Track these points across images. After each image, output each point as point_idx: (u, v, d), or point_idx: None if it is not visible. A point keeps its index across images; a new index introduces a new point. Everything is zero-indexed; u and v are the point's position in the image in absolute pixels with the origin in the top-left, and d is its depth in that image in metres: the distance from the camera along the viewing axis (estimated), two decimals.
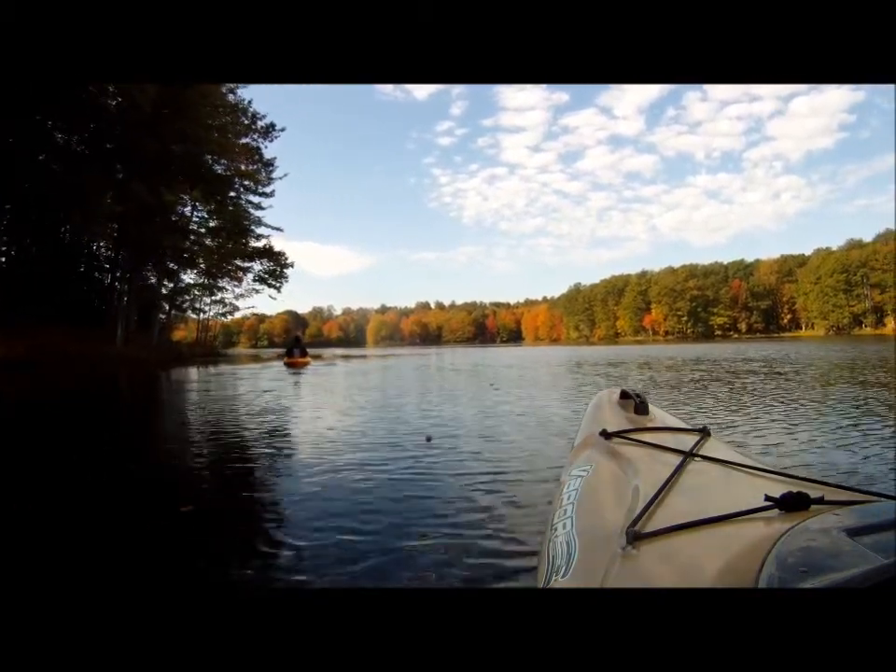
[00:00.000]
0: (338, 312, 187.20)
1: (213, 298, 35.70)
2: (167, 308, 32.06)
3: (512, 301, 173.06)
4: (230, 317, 40.09)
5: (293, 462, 3.45)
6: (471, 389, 8.28)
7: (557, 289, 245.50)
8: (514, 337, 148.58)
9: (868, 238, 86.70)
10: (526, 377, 10.78)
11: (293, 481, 2.95)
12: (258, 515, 2.43)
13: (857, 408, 5.01)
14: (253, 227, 31.69)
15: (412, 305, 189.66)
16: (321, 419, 5.38)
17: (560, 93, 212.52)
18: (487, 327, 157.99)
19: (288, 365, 17.40)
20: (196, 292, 34.44)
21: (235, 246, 30.97)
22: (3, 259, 22.19)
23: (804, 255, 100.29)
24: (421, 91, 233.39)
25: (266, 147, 29.84)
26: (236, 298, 35.18)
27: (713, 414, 4.83)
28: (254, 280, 33.61)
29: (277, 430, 4.73)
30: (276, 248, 32.65)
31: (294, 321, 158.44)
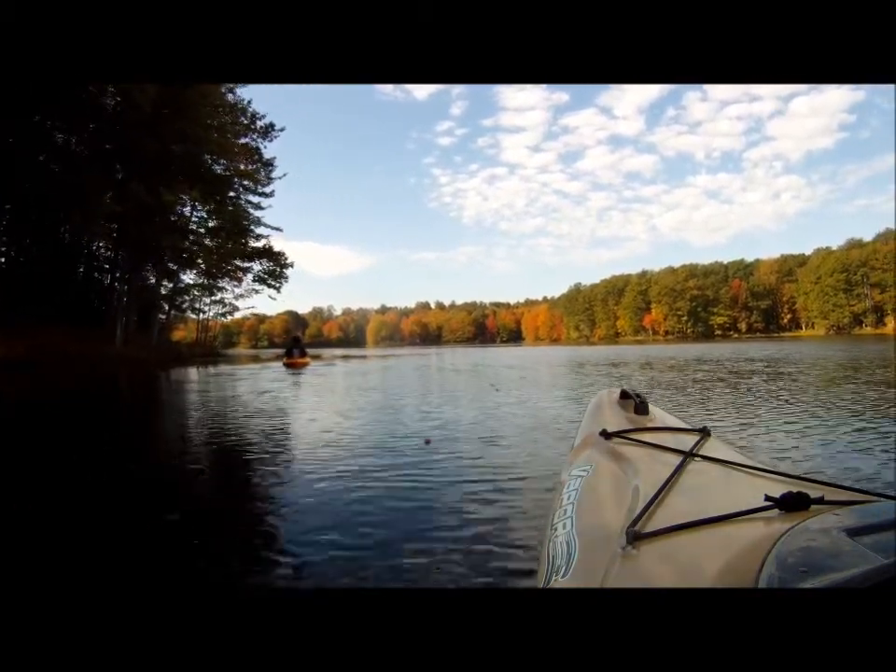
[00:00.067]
0: (338, 312, 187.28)
1: (212, 298, 35.75)
2: (167, 308, 32.07)
3: (512, 301, 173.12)
4: (229, 318, 40.16)
5: (285, 470, 3.28)
6: (472, 390, 8.22)
7: (557, 289, 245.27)
8: (514, 337, 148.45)
9: (868, 238, 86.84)
10: (528, 378, 10.69)
11: (284, 489, 2.83)
12: (243, 531, 2.29)
13: (873, 409, 4.90)
14: (252, 227, 31.71)
15: (412, 305, 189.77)
16: (317, 421, 5.31)
17: (560, 93, 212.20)
18: (487, 327, 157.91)
19: (288, 365, 17.39)
20: (195, 292, 34.46)
21: (235, 246, 30.96)
22: (3, 260, 22.20)
23: (804, 255, 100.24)
24: (421, 91, 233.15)
25: (266, 147, 29.89)
26: (236, 298, 35.22)
27: (722, 417, 4.74)
28: (253, 280, 33.64)
29: (271, 435, 4.57)
30: (276, 248, 32.70)
31: (294, 321, 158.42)
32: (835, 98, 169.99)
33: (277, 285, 33.56)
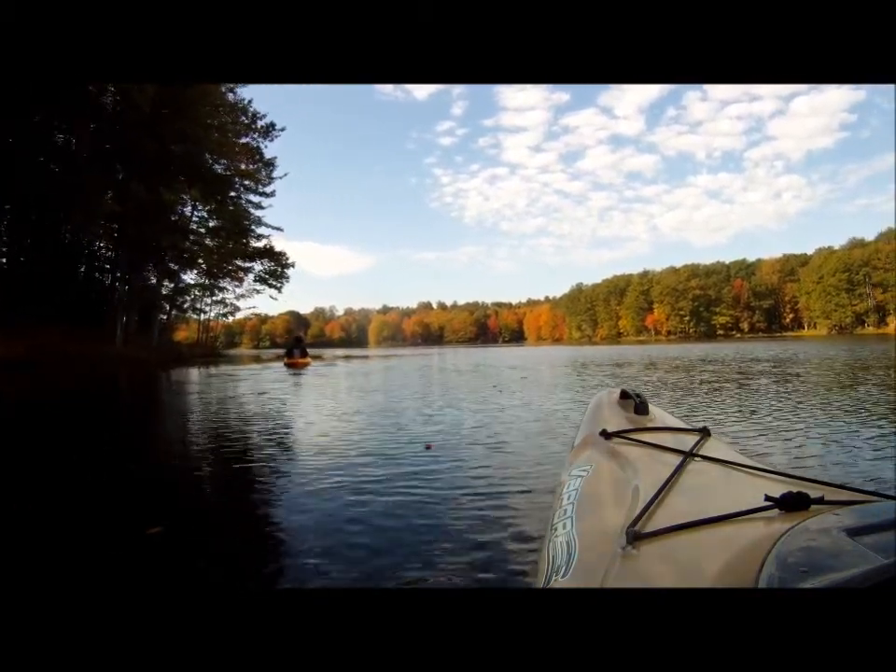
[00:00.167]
0: (340, 312, 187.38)
1: (213, 298, 35.77)
2: (168, 308, 32.07)
3: (514, 301, 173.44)
4: (231, 318, 40.12)
5: (272, 481, 3.04)
6: (474, 391, 8.06)
7: (559, 289, 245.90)
8: (516, 337, 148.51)
9: (870, 237, 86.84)
10: (532, 378, 10.54)
11: (268, 508, 2.62)
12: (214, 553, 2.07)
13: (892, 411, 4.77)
14: (253, 227, 31.74)
15: (413, 305, 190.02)
16: (314, 425, 5.14)
17: (560, 93, 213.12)
18: (489, 327, 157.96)
19: (289, 366, 17.37)
20: (196, 292, 34.47)
21: (236, 246, 30.97)
22: (4, 260, 22.21)
23: (805, 254, 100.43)
24: (421, 91, 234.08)
25: (266, 147, 29.90)
26: (237, 298, 35.23)
27: (738, 420, 4.58)
28: (255, 280, 33.66)
29: (264, 441, 4.30)
30: (277, 248, 32.72)
31: (296, 321, 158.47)
32: (836, 98, 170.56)
33: (278, 285, 33.60)
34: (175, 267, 29.70)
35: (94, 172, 21.00)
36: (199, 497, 2.87)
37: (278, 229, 33.77)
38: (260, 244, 32.21)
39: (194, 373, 15.73)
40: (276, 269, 33.25)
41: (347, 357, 28.70)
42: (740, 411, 5.18)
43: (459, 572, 1.77)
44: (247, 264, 32.78)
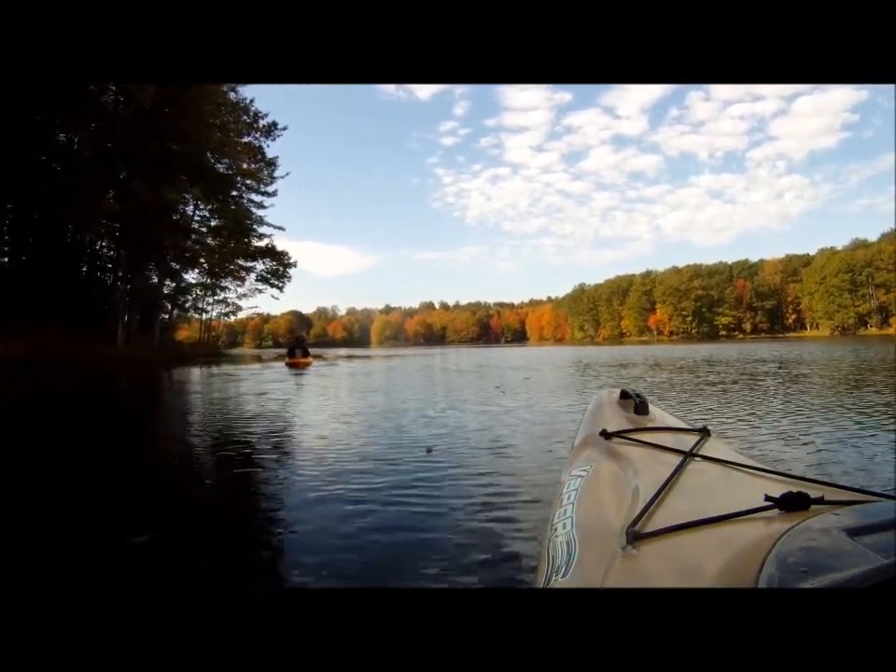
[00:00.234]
0: (342, 312, 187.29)
1: (215, 297, 35.81)
2: (169, 308, 32.13)
3: (517, 302, 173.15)
4: (233, 317, 40.17)
5: (277, 481, 3.00)
6: (477, 392, 7.94)
7: (561, 289, 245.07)
8: (519, 337, 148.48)
9: (873, 238, 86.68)
10: (535, 379, 10.42)
11: (274, 508, 2.58)
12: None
13: None
14: (255, 226, 31.81)
15: (415, 305, 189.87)
16: (311, 427, 5.05)
17: (563, 93, 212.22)
18: (492, 327, 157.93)
19: (290, 365, 17.37)
20: (198, 292, 34.52)
21: (237, 246, 31.05)
22: (6, 259, 22.26)
23: (808, 255, 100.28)
24: (423, 91, 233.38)
25: (268, 147, 29.94)
26: (239, 298, 35.27)
27: (751, 423, 4.46)
28: (256, 280, 33.72)
29: (259, 445, 4.16)
30: (279, 248, 32.78)
31: (298, 321, 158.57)
32: (838, 98, 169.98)
33: (280, 284, 33.69)
34: (177, 266, 29.78)
35: (96, 171, 21.04)
36: (199, 497, 2.87)
37: (280, 228, 33.87)
38: (262, 243, 32.34)
39: (196, 373, 15.75)
40: (278, 268, 33.33)
41: (349, 357, 28.65)
42: (753, 413, 5.08)
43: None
44: (249, 263, 32.89)
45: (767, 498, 0.77)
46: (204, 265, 30.96)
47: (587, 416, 1.76)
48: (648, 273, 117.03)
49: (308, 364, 17.96)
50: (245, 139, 28.56)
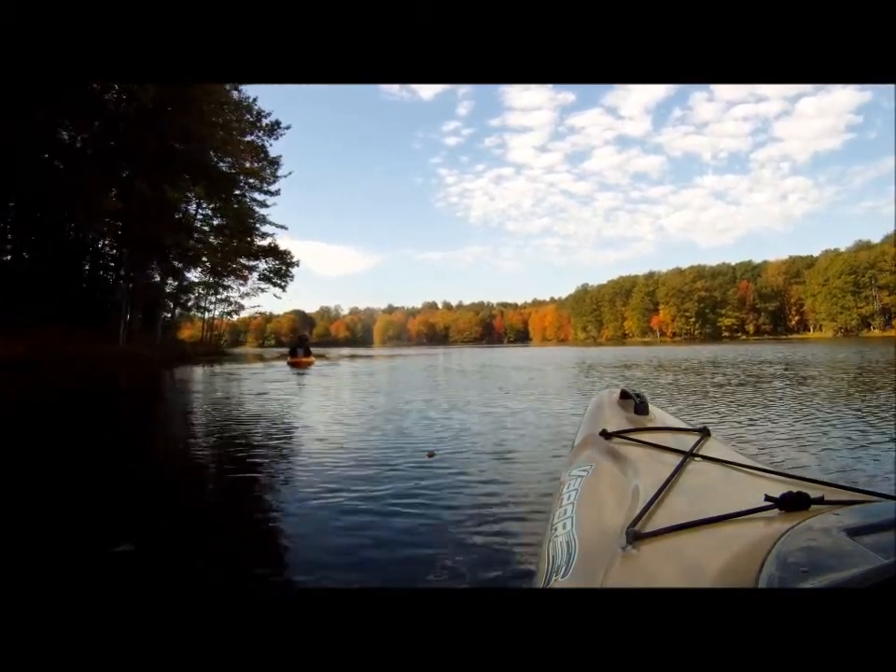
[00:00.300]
0: (345, 311, 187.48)
1: (218, 296, 35.88)
2: (172, 306, 32.18)
3: (520, 302, 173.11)
4: (235, 316, 40.20)
5: (277, 482, 2.98)
6: (480, 394, 7.78)
7: (565, 290, 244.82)
8: (522, 337, 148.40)
9: (876, 240, 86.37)
10: (539, 380, 10.29)
11: (274, 508, 2.54)
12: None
13: None
14: (258, 225, 31.85)
15: (418, 305, 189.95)
16: (311, 429, 4.96)
17: (566, 93, 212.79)
18: (495, 327, 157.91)
19: (292, 365, 17.38)
20: (200, 291, 34.58)
21: (240, 244, 31.08)
22: (8, 258, 22.28)
23: (811, 256, 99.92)
24: (427, 91, 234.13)
25: (271, 146, 29.98)
26: (241, 297, 35.34)
27: (768, 429, 4.31)
28: (259, 279, 33.75)
29: (266, 440, 4.20)
30: (281, 247, 32.83)
31: (301, 321, 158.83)
32: (842, 99, 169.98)
33: (283, 283, 33.73)
34: (179, 265, 29.84)
35: (98, 169, 21.07)
36: (199, 497, 2.87)
37: (283, 227, 33.99)
38: (265, 242, 32.39)
39: (198, 372, 15.74)
40: (281, 267, 33.37)
41: (352, 357, 28.60)
42: (764, 416, 4.99)
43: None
44: (252, 262, 32.95)
45: (767, 498, 0.77)
46: (207, 264, 30.98)
47: (587, 416, 1.76)
48: (651, 274, 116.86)
49: (310, 363, 17.97)
50: (248, 138, 28.63)
